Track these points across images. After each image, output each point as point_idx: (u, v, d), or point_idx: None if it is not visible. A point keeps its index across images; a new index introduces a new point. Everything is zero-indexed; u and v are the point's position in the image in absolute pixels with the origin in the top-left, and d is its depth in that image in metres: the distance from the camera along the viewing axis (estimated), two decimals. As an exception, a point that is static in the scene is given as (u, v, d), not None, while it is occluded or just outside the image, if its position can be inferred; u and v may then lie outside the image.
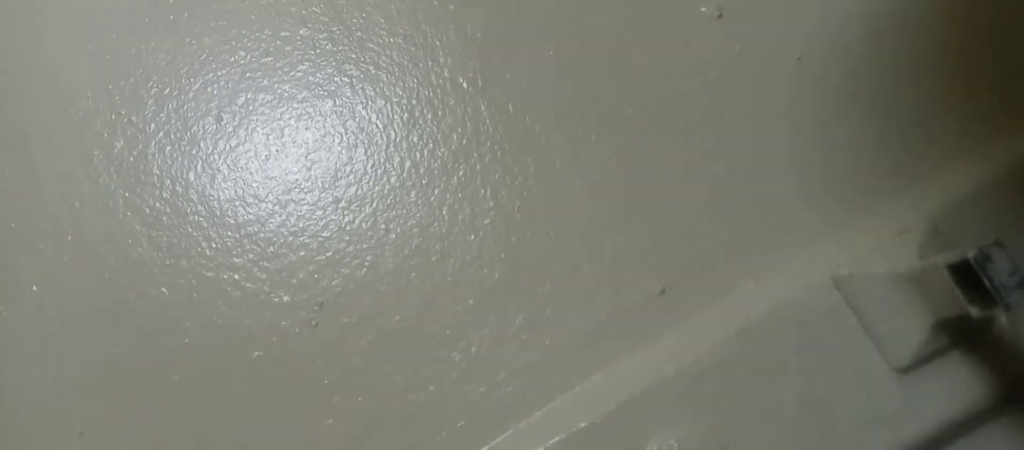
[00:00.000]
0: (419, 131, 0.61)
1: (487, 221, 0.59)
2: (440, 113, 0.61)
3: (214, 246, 0.59)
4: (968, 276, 0.43)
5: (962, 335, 0.51)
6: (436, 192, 0.59)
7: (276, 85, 0.62)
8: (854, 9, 0.60)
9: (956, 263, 0.43)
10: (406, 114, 0.61)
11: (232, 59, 0.63)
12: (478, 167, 0.60)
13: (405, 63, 0.62)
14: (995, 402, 0.51)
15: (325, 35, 0.63)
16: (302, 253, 0.59)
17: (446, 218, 0.59)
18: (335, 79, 0.62)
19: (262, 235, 0.59)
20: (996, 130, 0.58)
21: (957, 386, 0.51)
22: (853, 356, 0.53)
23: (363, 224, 0.59)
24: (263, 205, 0.60)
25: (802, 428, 0.52)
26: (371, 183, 0.60)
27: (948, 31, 0.59)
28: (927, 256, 0.52)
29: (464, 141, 0.60)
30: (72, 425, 0.57)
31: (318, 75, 0.62)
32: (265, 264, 0.59)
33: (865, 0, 0.60)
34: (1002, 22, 0.60)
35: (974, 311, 0.43)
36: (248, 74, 0.62)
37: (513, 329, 0.57)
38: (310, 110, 0.62)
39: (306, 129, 0.61)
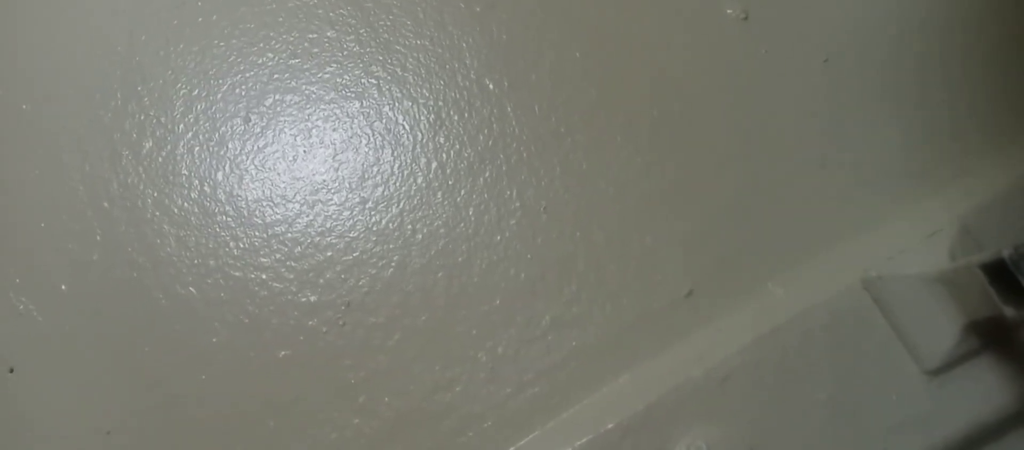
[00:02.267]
0: (446, 132, 0.61)
1: (513, 222, 0.59)
2: (467, 114, 0.61)
3: (242, 246, 0.60)
4: (1002, 276, 0.43)
5: (994, 337, 0.51)
6: (463, 193, 0.60)
7: (304, 86, 0.63)
8: (881, 11, 0.60)
9: (990, 262, 0.43)
10: (433, 115, 0.61)
11: (260, 61, 0.63)
12: (504, 168, 0.60)
13: (432, 65, 0.62)
14: (1028, 405, 0.51)
15: (352, 37, 0.63)
16: (329, 253, 0.59)
17: (473, 219, 0.59)
18: (362, 81, 0.62)
19: (290, 235, 0.60)
20: (1026, 131, 0.58)
21: (989, 388, 0.51)
22: (883, 358, 0.52)
23: (390, 225, 0.59)
24: (291, 205, 0.60)
25: (831, 430, 0.52)
26: (398, 184, 0.60)
27: (976, 33, 0.59)
28: (958, 257, 0.52)
29: (491, 142, 0.60)
30: (99, 424, 0.58)
31: (345, 77, 0.63)
32: (292, 264, 0.59)
33: (892, 2, 0.60)
34: (1029, 25, 0.60)
35: (1009, 311, 0.43)
36: (276, 76, 0.63)
37: (540, 330, 0.57)
38: (337, 111, 0.62)
39: (333, 130, 0.62)
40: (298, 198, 0.60)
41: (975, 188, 0.55)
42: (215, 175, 0.61)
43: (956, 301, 0.50)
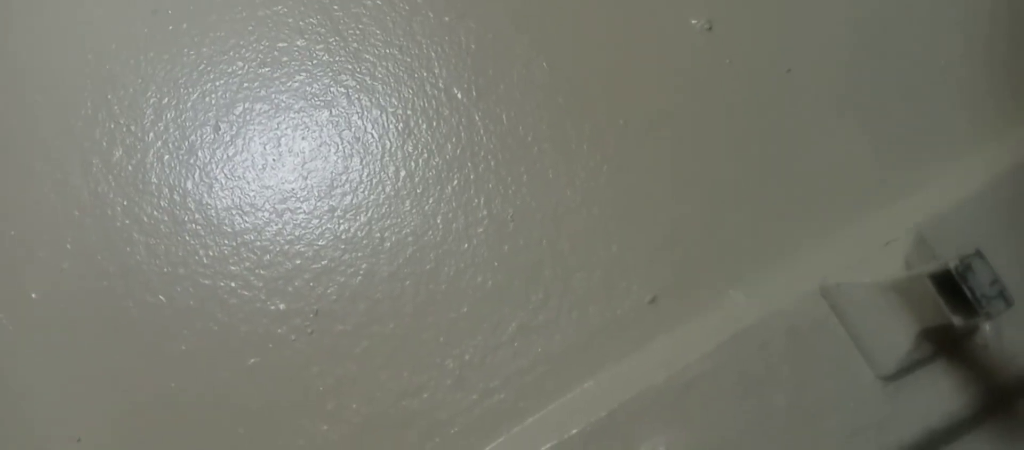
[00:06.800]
0: (414, 141, 0.61)
1: (481, 230, 0.60)
2: (435, 123, 0.62)
3: (211, 254, 0.60)
4: (951, 286, 0.44)
5: (946, 344, 0.52)
6: (431, 201, 0.60)
7: (273, 95, 0.63)
8: (843, 23, 0.61)
9: (938, 273, 0.44)
10: (401, 124, 0.62)
11: (230, 69, 0.64)
12: (472, 177, 0.61)
13: (401, 74, 0.63)
14: (979, 410, 0.52)
15: (322, 46, 0.64)
16: (298, 261, 0.60)
17: (440, 227, 0.60)
18: (331, 90, 0.63)
19: (259, 243, 0.60)
20: (980, 140, 0.59)
21: (942, 394, 0.52)
22: (840, 364, 0.53)
23: (358, 233, 0.60)
24: (260, 214, 0.61)
25: (789, 436, 0.53)
26: (366, 192, 0.61)
27: (934, 45, 0.60)
28: (913, 266, 0.53)
29: (458, 151, 0.61)
30: (69, 431, 0.58)
31: (315, 86, 0.63)
32: (261, 272, 0.59)
33: (854, 13, 0.61)
34: (985, 38, 0.61)
35: (957, 320, 0.44)
36: (245, 84, 0.63)
37: (506, 336, 0.58)
38: (306, 120, 0.62)
39: (302, 139, 0.62)
40: (267, 206, 0.61)
41: (931, 197, 0.56)
42: (185, 183, 0.62)
43: (909, 309, 0.51)
